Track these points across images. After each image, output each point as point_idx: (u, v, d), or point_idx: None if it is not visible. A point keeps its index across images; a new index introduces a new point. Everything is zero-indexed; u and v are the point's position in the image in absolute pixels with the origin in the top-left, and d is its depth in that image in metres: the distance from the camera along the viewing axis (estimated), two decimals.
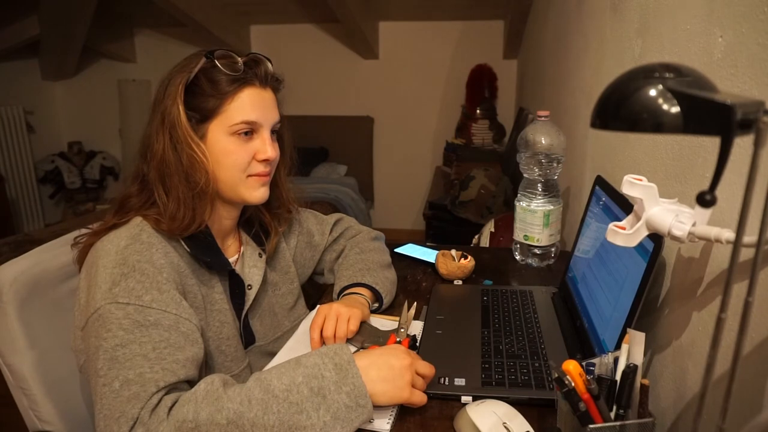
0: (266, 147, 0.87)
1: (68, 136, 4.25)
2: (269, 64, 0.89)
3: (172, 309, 0.76)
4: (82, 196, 4.16)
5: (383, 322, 1.01)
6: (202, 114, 0.84)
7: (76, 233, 0.90)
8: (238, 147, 0.85)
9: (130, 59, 4.12)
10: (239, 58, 0.85)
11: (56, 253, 0.95)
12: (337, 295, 1.07)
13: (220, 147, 0.85)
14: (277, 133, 0.93)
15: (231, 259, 0.96)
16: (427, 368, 0.78)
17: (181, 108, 0.82)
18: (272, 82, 0.90)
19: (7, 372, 0.89)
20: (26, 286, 0.89)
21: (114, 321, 0.71)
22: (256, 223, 1.01)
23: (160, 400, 0.68)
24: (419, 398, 0.75)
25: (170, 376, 0.70)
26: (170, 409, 0.67)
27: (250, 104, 0.85)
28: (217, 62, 0.84)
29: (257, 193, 0.89)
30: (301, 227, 1.12)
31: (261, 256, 1.00)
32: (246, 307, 0.96)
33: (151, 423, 0.65)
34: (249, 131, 0.86)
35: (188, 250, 0.86)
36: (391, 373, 0.73)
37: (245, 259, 0.98)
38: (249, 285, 0.97)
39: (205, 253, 0.88)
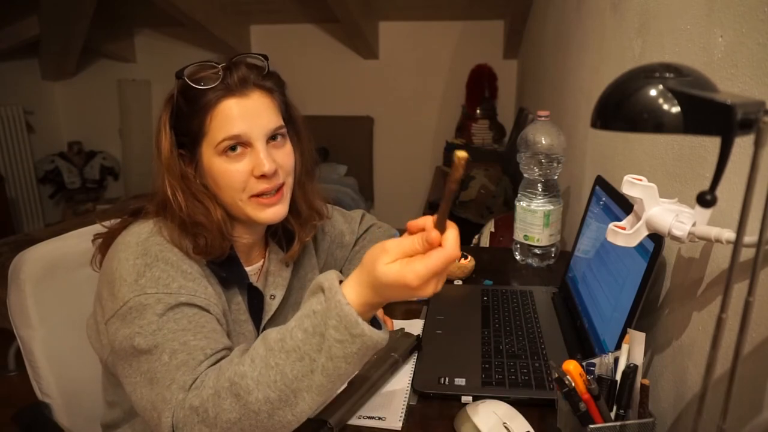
0: (261, 161, 0.78)
1: (68, 136, 4.25)
2: (244, 68, 0.79)
3: (201, 293, 0.76)
4: (82, 196, 4.15)
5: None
6: (191, 137, 0.80)
7: (98, 226, 0.87)
8: (230, 166, 0.79)
9: (130, 59, 4.12)
10: (210, 72, 0.78)
11: (80, 240, 0.99)
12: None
13: (214, 169, 0.80)
14: (284, 137, 0.84)
15: (254, 266, 0.92)
16: (442, 261, 0.59)
17: (172, 148, 0.79)
18: (257, 85, 0.80)
19: (19, 342, 0.95)
20: (44, 266, 0.95)
21: (148, 309, 0.71)
22: (280, 229, 0.94)
23: (208, 367, 0.67)
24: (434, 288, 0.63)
25: (214, 344, 0.71)
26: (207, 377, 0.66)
27: (231, 117, 0.77)
28: (186, 80, 0.78)
29: (267, 214, 0.82)
30: (333, 229, 1.08)
31: (288, 266, 0.95)
32: (266, 319, 0.90)
33: (193, 390, 0.65)
34: (236, 146, 0.79)
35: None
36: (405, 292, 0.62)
37: (270, 268, 0.93)
38: (272, 295, 0.92)
39: (221, 266, 0.83)
